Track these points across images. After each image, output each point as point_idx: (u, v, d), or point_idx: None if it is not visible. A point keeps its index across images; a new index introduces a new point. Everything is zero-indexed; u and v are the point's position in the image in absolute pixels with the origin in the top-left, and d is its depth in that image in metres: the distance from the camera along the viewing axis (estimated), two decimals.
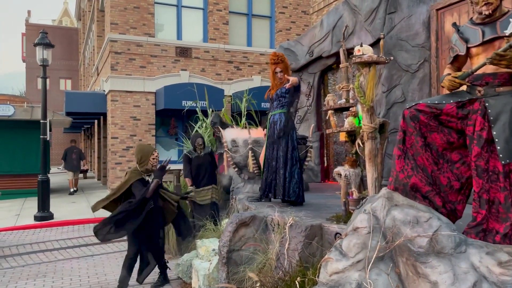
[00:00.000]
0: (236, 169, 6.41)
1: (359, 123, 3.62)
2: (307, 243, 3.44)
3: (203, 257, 4.59)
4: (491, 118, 2.78)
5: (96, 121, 18.89)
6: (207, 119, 8.20)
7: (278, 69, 4.73)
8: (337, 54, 7.32)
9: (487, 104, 2.81)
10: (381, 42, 3.50)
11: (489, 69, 2.83)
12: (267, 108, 11.96)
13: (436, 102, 2.96)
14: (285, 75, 4.66)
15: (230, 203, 5.90)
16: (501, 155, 2.72)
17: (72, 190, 13.84)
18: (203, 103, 10.22)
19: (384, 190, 2.95)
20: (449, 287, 2.37)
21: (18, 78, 44.46)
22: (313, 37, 7.58)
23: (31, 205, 11.07)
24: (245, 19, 14.72)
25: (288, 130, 4.53)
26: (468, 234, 2.74)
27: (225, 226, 4.31)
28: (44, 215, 9.23)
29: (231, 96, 13.39)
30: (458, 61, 3.06)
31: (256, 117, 9.12)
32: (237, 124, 8.46)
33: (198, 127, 8.18)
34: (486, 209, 2.75)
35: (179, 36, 13.65)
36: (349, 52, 7.09)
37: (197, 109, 8.59)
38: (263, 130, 6.17)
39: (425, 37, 5.97)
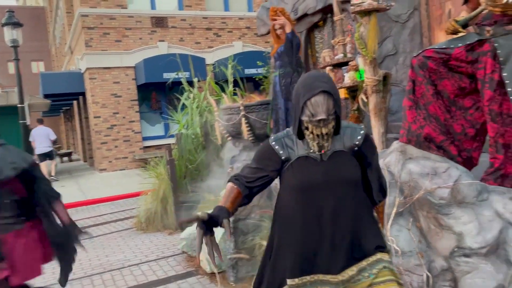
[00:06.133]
0: (230, 138, 6.24)
1: (361, 77, 3.46)
2: None
3: None
4: (501, 59, 2.64)
5: (75, 102, 18.33)
6: (193, 89, 7.93)
7: (277, 26, 4.41)
8: (322, 10, 7.05)
9: (496, 44, 2.67)
10: None
11: None
12: (252, 74, 11.78)
13: (444, 47, 2.80)
14: (284, 31, 4.31)
15: (227, 172, 5.76)
16: None
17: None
18: (186, 74, 9.89)
19: (396, 144, 2.83)
20: (475, 237, 2.30)
21: None
22: None
23: None
24: None
25: (287, 90, 4.32)
26: (486, 181, 2.66)
27: None
28: None
29: (213, 64, 13.04)
30: (471, 1, 2.88)
31: (242, 84, 8.87)
32: (223, 92, 8.23)
33: (185, 99, 7.92)
34: (503, 153, 2.66)
35: (153, 6, 13.09)
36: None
37: (182, 79, 8.29)
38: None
39: None
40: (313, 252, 1.71)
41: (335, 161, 1.73)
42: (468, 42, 2.77)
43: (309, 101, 1.64)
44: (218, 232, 4.27)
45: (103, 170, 12.15)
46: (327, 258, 1.70)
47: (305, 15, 7.25)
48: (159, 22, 12.75)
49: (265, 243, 3.35)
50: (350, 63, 3.58)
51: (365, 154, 1.79)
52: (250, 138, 5.84)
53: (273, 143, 1.81)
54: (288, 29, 4.24)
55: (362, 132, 1.78)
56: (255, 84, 10.71)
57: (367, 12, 3.18)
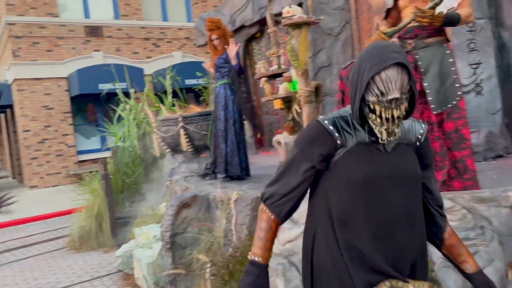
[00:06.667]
0: (168, 150, 6.11)
1: (294, 88, 3.54)
2: (254, 215, 3.34)
3: (144, 245, 4.33)
4: (422, 70, 2.82)
5: (2, 115, 17.14)
6: (129, 100, 7.70)
7: (214, 36, 4.36)
8: (260, 22, 7.18)
9: (417, 56, 2.84)
10: (309, 1, 3.41)
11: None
12: (192, 84, 11.67)
13: None
14: (223, 44, 4.28)
15: (166, 185, 5.62)
16: (432, 106, 2.78)
17: None
18: (123, 84, 9.60)
19: None
20: None
21: None
22: (234, 5, 7.34)
23: None
24: None
25: (225, 102, 4.34)
26: None
27: (165, 210, 4.07)
28: None
29: (152, 75, 12.78)
30: (391, 16, 3.05)
31: (182, 95, 8.77)
32: (162, 103, 8.08)
33: (121, 110, 7.67)
34: None
35: (86, 14, 12.62)
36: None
37: (117, 90, 8.02)
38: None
39: (344, 0, 6.02)
40: (383, 259, 1.30)
41: (400, 153, 1.37)
42: None
43: (378, 76, 1.26)
44: (156, 247, 4.14)
45: (34, 187, 11.41)
46: (402, 269, 1.33)
47: (242, 27, 7.35)
48: (94, 31, 12.30)
49: (202, 257, 3.29)
50: (284, 74, 3.65)
51: (425, 154, 1.45)
52: (189, 150, 5.75)
53: (326, 121, 1.35)
54: (234, 62, 4.24)
55: (424, 126, 1.46)
56: (196, 95, 10.64)
57: (298, 25, 3.27)
